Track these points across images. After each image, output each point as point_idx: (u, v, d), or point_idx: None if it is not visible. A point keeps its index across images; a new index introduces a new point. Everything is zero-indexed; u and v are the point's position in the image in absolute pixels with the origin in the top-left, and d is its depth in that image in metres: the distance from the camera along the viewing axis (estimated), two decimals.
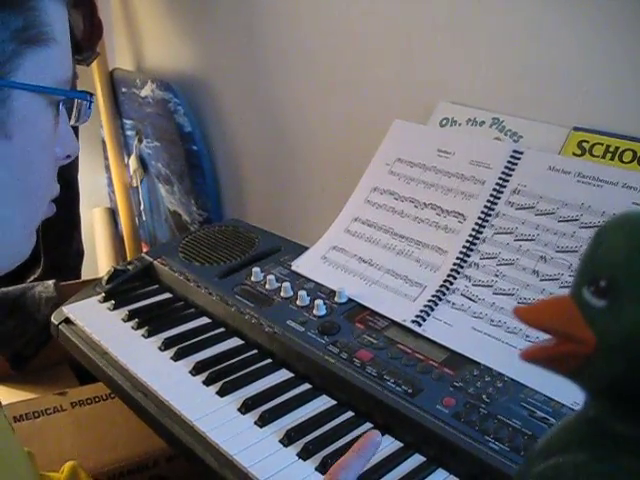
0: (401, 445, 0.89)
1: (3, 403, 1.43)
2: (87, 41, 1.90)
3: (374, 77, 1.42)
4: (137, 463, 1.32)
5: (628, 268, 0.34)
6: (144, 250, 2.27)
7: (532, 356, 0.38)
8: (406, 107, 1.34)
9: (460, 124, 1.24)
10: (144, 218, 2.23)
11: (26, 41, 0.56)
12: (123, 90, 2.15)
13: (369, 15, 1.39)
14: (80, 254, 2.07)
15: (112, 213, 2.47)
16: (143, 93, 2.02)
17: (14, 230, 0.63)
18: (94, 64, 2.08)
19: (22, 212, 0.63)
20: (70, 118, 0.66)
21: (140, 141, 2.12)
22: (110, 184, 2.37)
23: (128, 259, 2.28)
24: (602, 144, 1.07)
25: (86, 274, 2.20)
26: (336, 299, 1.13)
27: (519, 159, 1.11)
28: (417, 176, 1.20)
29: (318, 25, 1.51)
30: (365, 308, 1.11)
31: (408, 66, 1.34)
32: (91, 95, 0.67)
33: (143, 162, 2.15)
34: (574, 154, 1.09)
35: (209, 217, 1.93)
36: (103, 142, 2.29)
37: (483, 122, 1.21)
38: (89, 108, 0.67)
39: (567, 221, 1.02)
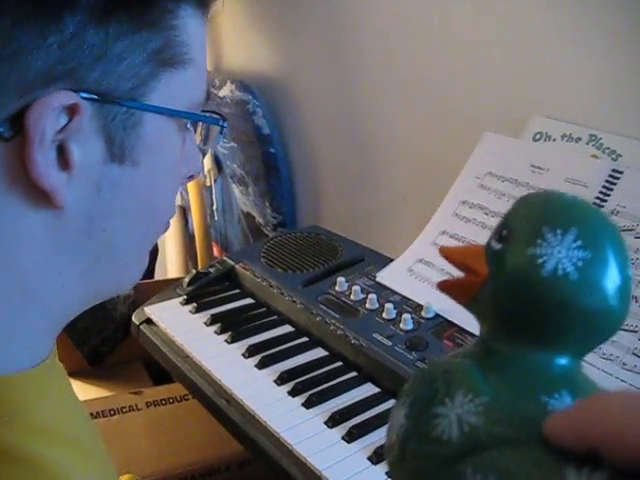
0: None
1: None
2: None
3: (464, 87, 1.39)
4: (209, 467, 1.32)
5: (518, 218, 0.44)
6: (214, 250, 2.28)
7: (441, 285, 0.47)
8: (497, 120, 1.31)
9: (554, 139, 1.21)
10: (216, 218, 2.24)
11: (163, 63, 0.53)
12: None
13: (462, 24, 1.36)
14: (154, 252, 2.08)
15: (183, 211, 2.48)
16: (221, 93, 2.02)
17: (133, 258, 0.60)
18: None
19: (144, 239, 0.61)
20: (196, 137, 0.63)
21: None
22: None
23: (198, 258, 2.29)
24: None
25: (156, 272, 2.22)
26: (423, 314, 1.11)
27: (618, 179, 1.08)
28: (508, 191, 1.17)
29: (409, 32, 1.49)
30: (453, 324, 1.08)
31: (501, 77, 1.31)
32: (224, 120, 0.63)
33: (218, 162, 2.15)
34: None
35: (283, 220, 1.92)
36: None
37: (579, 138, 1.18)
38: (220, 133, 0.64)
39: None
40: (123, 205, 0.55)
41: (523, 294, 0.43)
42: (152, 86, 0.53)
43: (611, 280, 0.42)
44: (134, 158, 0.54)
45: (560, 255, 0.42)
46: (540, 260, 0.42)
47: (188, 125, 0.60)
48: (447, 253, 0.48)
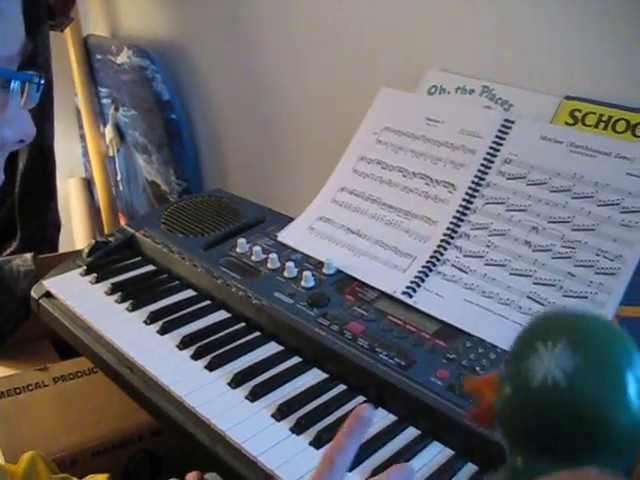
0: (395, 418, 0.88)
1: None
2: (60, 6, 1.85)
3: (359, 43, 1.39)
4: (122, 438, 1.30)
5: (517, 341, 0.45)
6: (121, 221, 2.24)
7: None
8: (393, 75, 1.32)
9: (449, 92, 1.22)
10: (121, 188, 2.19)
11: None
12: (98, 57, 2.09)
13: None
14: (57, 225, 2.02)
15: (88, 183, 2.43)
16: (119, 60, 1.97)
17: None
18: (67, 30, 2.02)
19: None
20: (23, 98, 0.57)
21: (116, 109, 2.08)
22: (85, 154, 2.32)
23: (105, 230, 2.25)
24: (595, 113, 1.05)
25: (62, 246, 2.16)
26: (324, 270, 1.11)
27: (510, 128, 1.09)
28: (405, 145, 1.18)
29: None
30: (354, 279, 1.09)
31: (394, 32, 1.31)
32: (39, 77, 0.58)
33: (120, 131, 2.10)
34: (566, 123, 1.07)
35: (188, 187, 1.89)
36: (78, 111, 2.24)
37: (473, 90, 1.19)
38: (37, 91, 0.58)
39: (559, 191, 1.01)
40: None
41: (518, 407, 0.44)
42: None
43: (608, 385, 0.42)
44: None
45: (549, 364, 0.43)
46: (530, 373, 0.43)
47: (12, 86, 0.55)
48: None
